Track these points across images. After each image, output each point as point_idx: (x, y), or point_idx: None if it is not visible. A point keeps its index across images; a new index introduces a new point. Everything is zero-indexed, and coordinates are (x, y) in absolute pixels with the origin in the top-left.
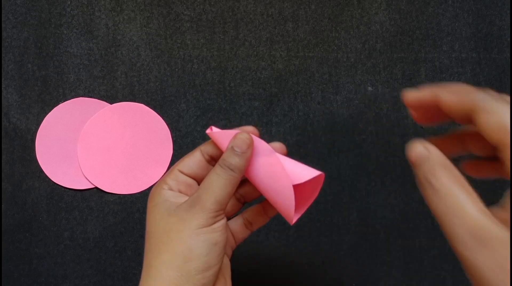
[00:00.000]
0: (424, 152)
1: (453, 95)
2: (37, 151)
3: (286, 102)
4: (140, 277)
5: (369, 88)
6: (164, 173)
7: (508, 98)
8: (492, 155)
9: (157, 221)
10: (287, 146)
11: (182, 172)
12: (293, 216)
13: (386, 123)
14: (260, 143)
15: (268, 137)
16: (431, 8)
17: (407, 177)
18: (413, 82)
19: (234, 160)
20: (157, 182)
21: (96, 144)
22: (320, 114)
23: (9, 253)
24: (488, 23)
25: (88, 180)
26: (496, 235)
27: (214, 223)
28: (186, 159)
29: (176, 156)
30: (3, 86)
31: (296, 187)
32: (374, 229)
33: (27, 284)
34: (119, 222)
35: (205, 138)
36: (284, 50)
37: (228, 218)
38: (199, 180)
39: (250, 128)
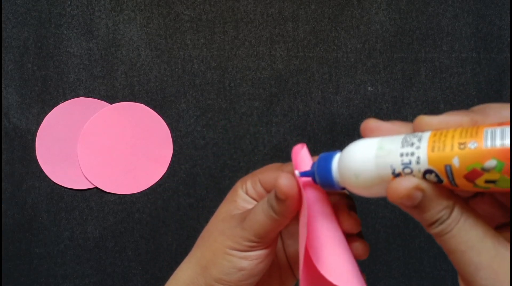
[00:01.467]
0: (419, 195)
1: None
2: (37, 151)
3: (286, 102)
4: (139, 277)
5: (369, 88)
6: (164, 174)
7: None
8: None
9: (214, 217)
10: (287, 146)
11: (260, 182)
12: (301, 282)
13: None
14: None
15: (268, 137)
16: (431, 8)
17: None
18: (413, 82)
19: (274, 202)
20: (245, 177)
21: (96, 144)
22: (320, 114)
23: (9, 253)
24: (488, 23)
25: (88, 180)
26: None
27: (248, 251)
28: (268, 172)
29: (176, 156)
30: (3, 86)
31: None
32: (374, 229)
33: (27, 284)
34: (119, 222)
35: (205, 138)
36: (284, 50)
37: None
38: None
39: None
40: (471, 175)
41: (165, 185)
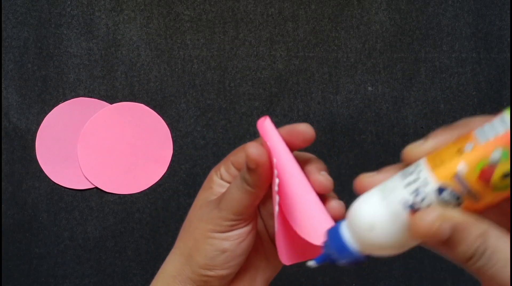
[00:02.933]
0: (444, 223)
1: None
2: (37, 151)
3: (286, 102)
4: (139, 277)
5: (369, 88)
6: (164, 174)
7: None
8: None
9: (193, 206)
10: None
11: (233, 165)
12: (281, 255)
13: (386, 123)
14: (275, 171)
15: None
16: (431, 8)
17: None
18: (413, 82)
19: (247, 175)
20: (217, 165)
21: (96, 144)
22: (320, 114)
23: (9, 253)
24: (488, 23)
25: (88, 180)
26: None
27: (229, 231)
28: (239, 153)
29: (176, 156)
30: (3, 86)
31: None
32: None
33: (27, 284)
34: (119, 222)
35: (205, 138)
36: (284, 50)
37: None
38: None
39: (302, 127)
40: (484, 175)
41: (165, 185)
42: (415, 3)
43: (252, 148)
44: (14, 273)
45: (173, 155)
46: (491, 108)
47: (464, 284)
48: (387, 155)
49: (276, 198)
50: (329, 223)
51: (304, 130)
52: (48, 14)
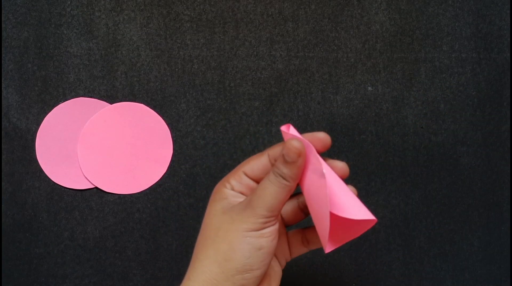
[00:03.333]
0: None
1: None
2: (37, 151)
3: (286, 102)
4: (140, 277)
5: (369, 88)
6: (164, 174)
7: None
8: None
9: (211, 216)
10: None
11: (246, 174)
12: (326, 245)
13: (386, 123)
14: (316, 159)
15: (268, 137)
16: (431, 8)
17: (407, 177)
18: (413, 82)
19: (285, 169)
20: (222, 179)
21: (96, 144)
22: (320, 114)
23: (9, 253)
24: (488, 23)
25: (88, 180)
26: None
27: (263, 228)
28: (252, 162)
29: (176, 156)
30: (3, 86)
31: (340, 218)
32: (374, 229)
33: (27, 284)
34: (119, 222)
35: (205, 138)
36: (284, 50)
37: (289, 227)
38: None
39: (321, 135)
40: None
41: (165, 185)
42: (415, 3)
43: (294, 142)
44: (14, 273)
45: (173, 155)
46: (491, 108)
47: (464, 284)
48: (387, 155)
49: (326, 190)
50: (356, 199)
51: (323, 137)
52: (48, 14)
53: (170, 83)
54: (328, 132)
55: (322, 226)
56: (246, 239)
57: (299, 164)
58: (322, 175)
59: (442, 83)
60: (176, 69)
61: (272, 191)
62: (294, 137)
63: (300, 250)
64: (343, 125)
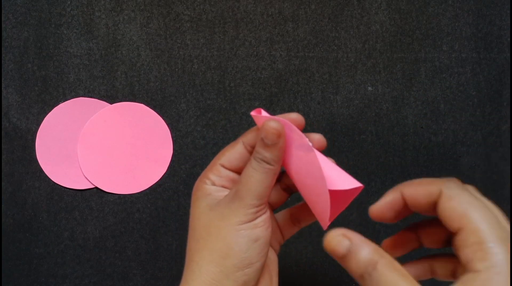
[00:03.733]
0: (346, 243)
1: (418, 187)
2: (37, 151)
3: (286, 102)
4: (139, 277)
5: (369, 88)
6: (164, 174)
7: (471, 188)
8: (443, 246)
9: (198, 216)
10: None
11: (224, 166)
12: (327, 222)
13: (386, 123)
14: (298, 135)
15: None
16: (431, 8)
17: (407, 177)
18: (413, 82)
19: (267, 153)
20: (199, 176)
21: (96, 144)
22: (320, 114)
23: (9, 253)
24: (488, 23)
25: (88, 180)
26: None
27: (256, 218)
28: (227, 153)
29: (176, 156)
30: (3, 86)
31: (332, 192)
32: (374, 229)
33: (27, 284)
34: (119, 222)
35: (205, 138)
36: (284, 50)
37: (275, 210)
38: None
39: (293, 115)
40: None
41: (165, 185)
42: (415, 3)
43: (271, 122)
44: (14, 273)
45: (173, 155)
46: (491, 108)
47: None
48: (387, 155)
49: (319, 163)
50: (340, 170)
51: (296, 118)
52: (48, 14)
53: (170, 83)
54: (328, 132)
55: (319, 203)
56: (241, 232)
57: (280, 145)
58: (310, 149)
59: (442, 83)
60: (176, 69)
61: (258, 178)
62: (269, 118)
63: (291, 230)
64: (343, 125)
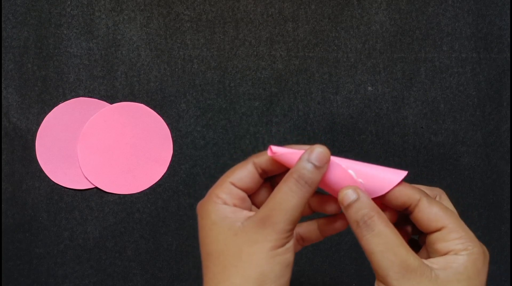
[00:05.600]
0: (354, 196)
1: (404, 192)
2: (37, 151)
3: (286, 102)
4: (140, 277)
5: (369, 88)
6: (164, 174)
7: (443, 195)
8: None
9: (221, 241)
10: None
11: (234, 185)
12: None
13: (386, 123)
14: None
15: (268, 137)
16: (431, 8)
17: (407, 178)
18: (413, 82)
19: (313, 174)
20: (207, 195)
21: (96, 144)
22: (320, 114)
23: (9, 253)
24: (488, 23)
25: (88, 180)
26: (420, 268)
27: (286, 243)
28: (237, 171)
29: (176, 156)
30: (3, 86)
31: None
32: None
33: (27, 284)
34: (119, 222)
35: (205, 138)
36: (284, 50)
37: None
38: (250, 194)
39: (320, 147)
40: None
41: (165, 185)
42: (415, 3)
43: (321, 148)
44: (14, 273)
45: (173, 155)
46: (491, 108)
47: None
48: (387, 155)
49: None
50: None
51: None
52: (48, 14)
53: (170, 83)
54: (328, 132)
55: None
56: (275, 258)
57: (325, 169)
58: (339, 167)
59: (442, 83)
60: (176, 69)
61: (296, 202)
62: (291, 153)
63: (295, 247)
64: (343, 125)
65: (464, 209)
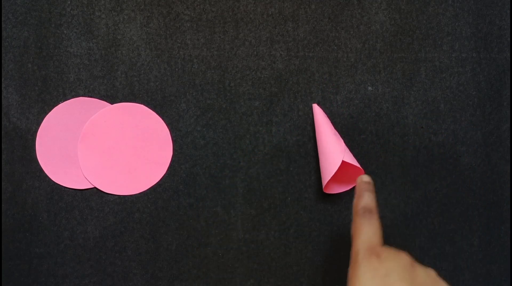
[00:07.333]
0: (370, 185)
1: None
2: (37, 151)
3: (286, 102)
4: (140, 277)
5: (369, 88)
6: (165, 173)
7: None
8: None
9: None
10: (287, 146)
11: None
12: (325, 182)
13: (386, 123)
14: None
15: (268, 137)
16: (431, 8)
17: (407, 177)
18: (413, 82)
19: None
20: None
21: (96, 144)
22: None
23: (9, 253)
24: (488, 23)
25: (88, 180)
26: (384, 252)
27: None
28: (371, 230)
29: (176, 156)
30: (3, 86)
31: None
32: None
33: (27, 284)
34: (119, 222)
35: (205, 137)
36: (284, 50)
37: None
38: None
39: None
40: None
41: (165, 185)
42: (415, 3)
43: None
44: (14, 273)
45: (173, 155)
46: (491, 108)
47: (464, 284)
48: (387, 155)
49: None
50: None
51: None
52: (48, 14)
53: (170, 83)
54: None
55: (330, 167)
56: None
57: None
58: (339, 138)
59: (442, 83)
60: (176, 69)
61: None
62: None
63: None
64: (343, 125)
65: (464, 209)
